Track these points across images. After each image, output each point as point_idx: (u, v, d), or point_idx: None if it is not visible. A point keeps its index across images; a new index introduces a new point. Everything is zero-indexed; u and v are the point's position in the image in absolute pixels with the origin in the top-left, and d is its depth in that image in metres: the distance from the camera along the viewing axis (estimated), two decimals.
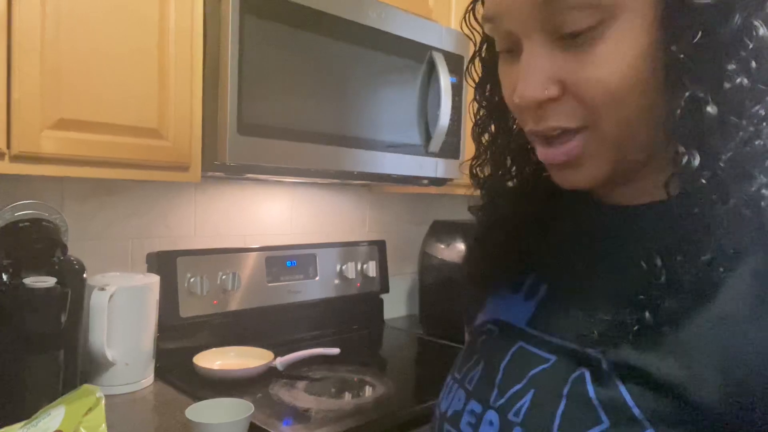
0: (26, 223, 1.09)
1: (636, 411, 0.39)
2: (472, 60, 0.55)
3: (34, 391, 1.06)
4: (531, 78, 0.40)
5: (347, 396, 1.31)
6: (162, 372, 1.34)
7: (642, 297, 0.40)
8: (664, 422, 0.38)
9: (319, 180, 1.69)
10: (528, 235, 0.54)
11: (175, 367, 1.35)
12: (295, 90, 1.27)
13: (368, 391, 1.34)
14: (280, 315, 1.63)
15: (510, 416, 0.45)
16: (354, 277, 1.79)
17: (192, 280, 1.44)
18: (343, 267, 1.77)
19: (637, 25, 0.38)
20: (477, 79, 0.54)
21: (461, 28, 0.53)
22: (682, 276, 0.39)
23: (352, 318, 1.82)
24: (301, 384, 1.33)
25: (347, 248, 1.81)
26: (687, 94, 0.38)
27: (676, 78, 0.39)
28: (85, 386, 0.97)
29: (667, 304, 0.40)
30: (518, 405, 0.45)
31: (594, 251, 0.49)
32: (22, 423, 0.95)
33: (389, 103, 1.43)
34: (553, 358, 0.46)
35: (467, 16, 0.51)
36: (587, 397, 0.41)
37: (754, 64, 0.37)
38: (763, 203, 0.38)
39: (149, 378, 1.31)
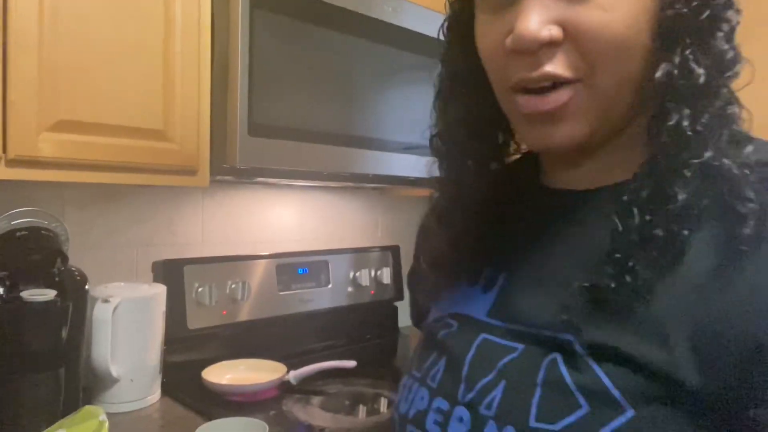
0: (24, 232, 1.02)
1: (615, 393, 0.38)
2: (447, 19, 0.51)
3: (32, 412, 0.99)
4: (533, 16, 0.38)
5: (364, 412, 1.24)
6: (169, 388, 1.27)
7: (618, 255, 0.39)
8: (644, 402, 0.37)
9: (331, 183, 1.62)
10: (484, 223, 0.52)
11: (182, 382, 1.28)
12: (307, 88, 1.20)
13: (385, 405, 1.27)
14: (292, 325, 1.56)
15: (482, 410, 0.43)
16: (368, 284, 1.72)
17: (200, 289, 1.38)
18: (357, 274, 1.70)
19: None
20: (448, 43, 0.51)
21: None
22: (653, 230, 0.39)
23: (366, 327, 1.75)
24: (316, 399, 1.26)
25: (360, 254, 1.74)
26: (684, 53, 0.39)
27: (672, 39, 0.39)
28: (87, 408, 0.91)
29: (640, 265, 0.39)
30: (489, 398, 0.43)
31: (553, 236, 0.48)
32: None
33: (404, 102, 1.36)
34: (520, 346, 0.44)
35: None
36: (563, 383, 0.40)
37: (733, 36, 0.40)
38: (724, 170, 0.39)
39: (156, 394, 1.24)
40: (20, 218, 1.03)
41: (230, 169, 1.14)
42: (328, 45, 1.22)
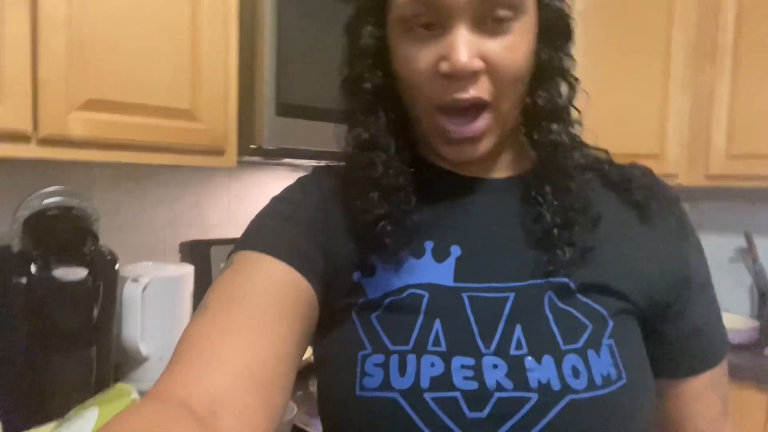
0: (55, 212, 1.03)
1: (603, 311, 0.51)
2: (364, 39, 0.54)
3: (65, 389, 1.00)
4: (466, 51, 0.47)
5: None
6: None
7: (576, 228, 0.53)
8: (616, 314, 0.51)
9: None
10: (411, 200, 0.55)
11: None
12: (335, 67, 1.17)
13: None
14: None
15: (512, 351, 0.48)
16: None
17: None
18: None
19: (529, 28, 0.51)
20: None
21: None
22: (567, 212, 0.53)
23: None
24: None
25: None
26: (552, 86, 0.54)
27: (545, 75, 0.54)
28: (119, 385, 0.91)
29: (576, 232, 0.53)
30: (514, 339, 0.49)
31: (486, 213, 0.56)
32: (55, 424, 0.89)
33: None
34: (511, 294, 0.51)
35: None
36: (568, 312, 0.50)
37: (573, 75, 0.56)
38: (593, 164, 0.58)
39: None
40: (51, 197, 1.03)
41: (257, 150, 1.13)
42: None
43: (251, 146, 1.13)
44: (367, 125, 0.54)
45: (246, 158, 1.20)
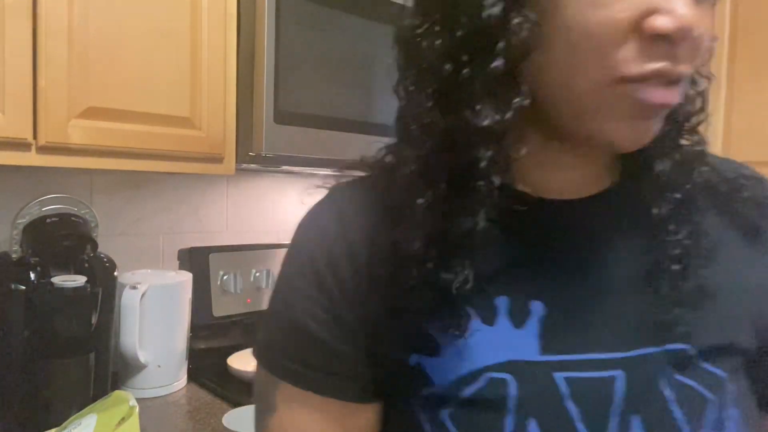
0: (54, 219, 1.03)
1: (722, 375, 0.41)
2: None
3: (63, 396, 1.00)
4: (695, 8, 0.34)
5: None
6: (194, 374, 1.28)
7: (692, 271, 0.42)
8: (734, 373, 0.42)
9: (356, 172, 1.61)
10: (474, 246, 0.40)
11: (208, 369, 1.29)
12: (333, 75, 1.19)
13: None
14: None
15: None
16: None
17: (225, 277, 1.38)
18: None
19: None
20: None
21: None
22: (703, 242, 0.42)
23: None
24: None
25: None
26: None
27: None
28: (117, 393, 0.91)
29: (695, 273, 0.42)
30: None
31: (575, 252, 0.43)
32: (53, 431, 0.89)
33: None
34: (617, 372, 0.40)
35: None
36: (688, 386, 0.40)
37: None
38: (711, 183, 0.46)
39: (182, 380, 1.25)
40: (51, 204, 1.04)
41: (256, 157, 1.14)
42: (355, 31, 1.20)
43: (250, 154, 1.14)
44: (500, 153, 0.37)
45: (244, 166, 1.20)
